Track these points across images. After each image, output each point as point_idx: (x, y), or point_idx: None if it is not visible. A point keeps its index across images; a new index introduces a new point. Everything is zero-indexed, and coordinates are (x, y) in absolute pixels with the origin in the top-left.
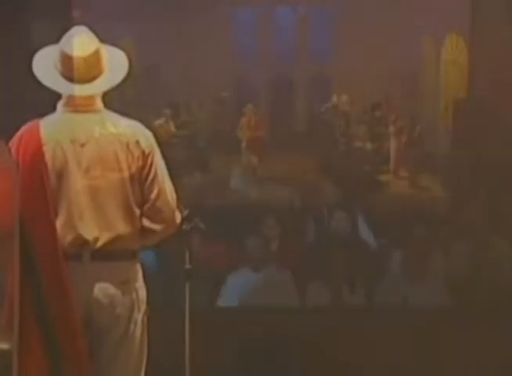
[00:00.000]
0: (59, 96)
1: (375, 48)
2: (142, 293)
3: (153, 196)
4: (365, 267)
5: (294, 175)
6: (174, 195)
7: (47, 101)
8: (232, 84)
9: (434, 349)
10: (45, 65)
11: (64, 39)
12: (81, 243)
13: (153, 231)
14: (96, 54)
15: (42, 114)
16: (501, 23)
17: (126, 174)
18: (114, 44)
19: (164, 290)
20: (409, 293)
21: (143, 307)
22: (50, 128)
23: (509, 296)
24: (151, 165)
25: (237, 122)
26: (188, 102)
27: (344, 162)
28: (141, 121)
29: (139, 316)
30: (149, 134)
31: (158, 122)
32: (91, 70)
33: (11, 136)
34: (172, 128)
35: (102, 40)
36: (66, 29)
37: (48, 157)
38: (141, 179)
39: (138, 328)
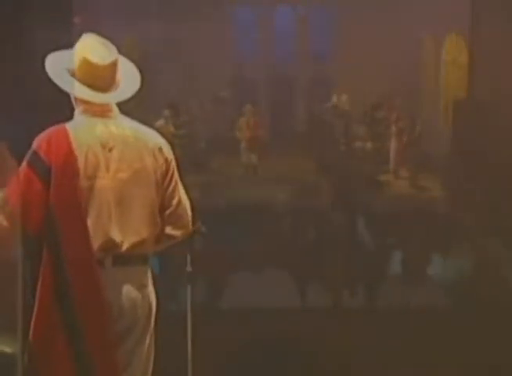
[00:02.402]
0: (57, 97)
1: (375, 48)
2: (153, 297)
3: (174, 202)
4: (365, 267)
5: (294, 175)
6: (188, 200)
7: (47, 102)
8: (232, 84)
9: (433, 350)
10: (58, 69)
11: (82, 45)
12: (110, 246)
13: (173, 237)
14: (115, 64)
15: (42, 115)
16: (501, 23)
17: (152, 179)
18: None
19: (166, 293)
20: (408, 293)
21: (154, 311)
22: (78, 133)
23: (508, 296)
24: (173, 172)
25: (236, 122)
26: (188, 102)
27: (344, 162)
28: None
29: (152, 320)
30: (165, 141)
31: (159, 123)
32: (109, 78)
33: (11, 136)
34: (171, 128)
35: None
36: (66, 33)
37: (80, 161)
38: (163, 186)
39: (150, 332)
